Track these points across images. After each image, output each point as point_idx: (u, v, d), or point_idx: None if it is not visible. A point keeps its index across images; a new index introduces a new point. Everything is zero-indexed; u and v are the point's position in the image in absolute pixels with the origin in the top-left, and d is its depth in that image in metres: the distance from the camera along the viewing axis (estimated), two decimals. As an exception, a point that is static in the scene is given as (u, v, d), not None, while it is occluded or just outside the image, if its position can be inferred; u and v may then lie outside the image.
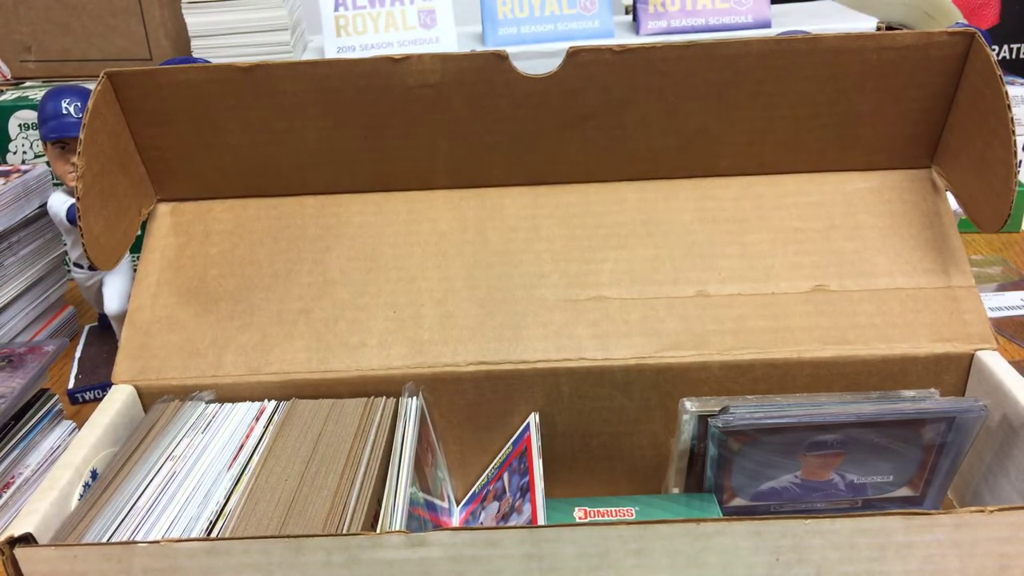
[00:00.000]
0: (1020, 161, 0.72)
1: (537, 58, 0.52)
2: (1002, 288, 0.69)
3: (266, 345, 0.48)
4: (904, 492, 0.44)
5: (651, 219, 0.50)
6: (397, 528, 0.37)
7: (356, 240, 0.51)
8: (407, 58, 0.47)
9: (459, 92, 0.48)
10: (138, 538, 0.37)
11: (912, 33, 0.47)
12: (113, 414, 0.44)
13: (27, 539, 0.35)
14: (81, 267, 0.65)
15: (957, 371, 0.46)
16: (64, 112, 0.60)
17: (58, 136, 0.60)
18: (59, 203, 0.63)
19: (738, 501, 0.44)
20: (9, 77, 0.86)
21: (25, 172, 0.68)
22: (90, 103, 0.46)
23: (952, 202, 0.51)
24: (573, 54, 0.47)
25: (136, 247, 0.51)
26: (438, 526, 0.44)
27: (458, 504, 0.50)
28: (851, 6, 0.89)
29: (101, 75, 0.47)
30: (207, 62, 0.58)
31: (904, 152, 0.51)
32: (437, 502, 0.46)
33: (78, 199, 0.45)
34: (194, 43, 0.80)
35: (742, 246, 0.49)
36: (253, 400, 0.46)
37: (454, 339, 0.48)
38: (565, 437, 0.49)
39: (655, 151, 0.51)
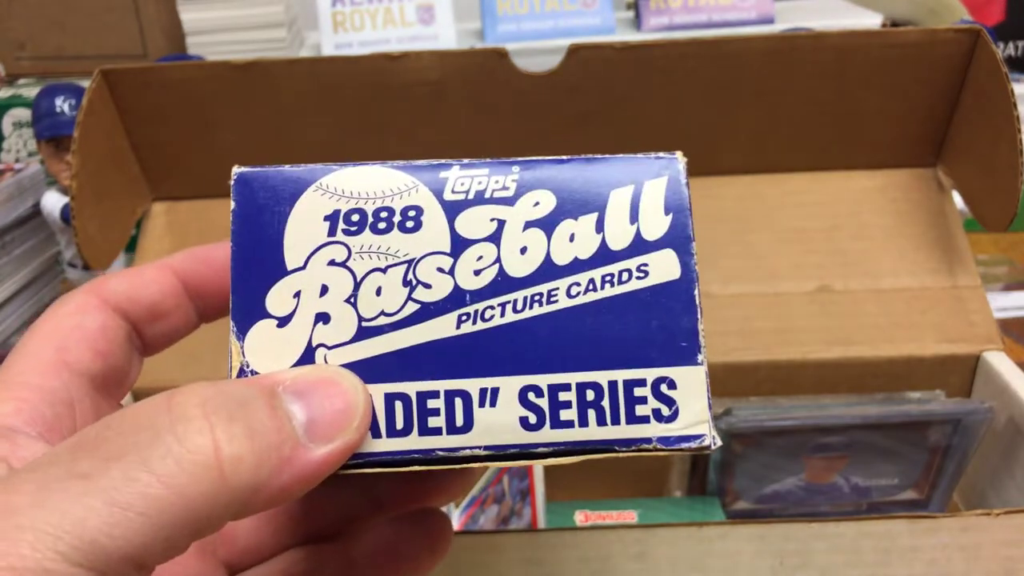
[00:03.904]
0: (1024, 159, 0.71)
1: (537, 55, 0.51)
2: (1008, 288, 0.68)
3: (263, 346, 0.47)
4: (909, 495, 0.43)
5: (653, 218, 0.50)
6: (396, 533, 0.36)
7: (354, 240, 0.51)
8: (405, 55, 0.47)
9: (458, 90, 0.48)
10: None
11: (917, 30, 0.46)
12: (108, 416, 0.44)
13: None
14: (75, 267, 0.64)
15: (963, 372, 0.46)
16: (58, 110, 0.59)
17: (52, 134, 0.59)
18: (53, 202, 0.62)
19: (741, 504, 0.43)
20: (3, 75, 0.85)
21: (19, 171, 0.67)
22: (84, 101, 0.45)
23: (958, 201, 0.50)
24: (574, 51, 0.46)
25: (131, 247, 0.51)
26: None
27: (457, 507, 0.49)
28: (855, 2, 0.88)
29: (96, 73, 0.47)
30: (202, 59, 0.58)
31: (909, 150, 0.50)
32: (436, 505, 0.45)
33: (72, 198, 0.44)
34: (189, 40, 0.79)
35: (745, 246, 0.49)
36: (250, 402, 0.45)
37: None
38: (566, 439, 0.48)
39: (656, 149, 0.50)
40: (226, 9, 0.78)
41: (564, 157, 0.19)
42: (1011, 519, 0.33)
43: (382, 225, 0.18)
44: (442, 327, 0.17)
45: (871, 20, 0.82)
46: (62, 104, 0.59)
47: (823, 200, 0.50)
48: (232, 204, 0.18)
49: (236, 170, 0.18)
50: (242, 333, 0.18)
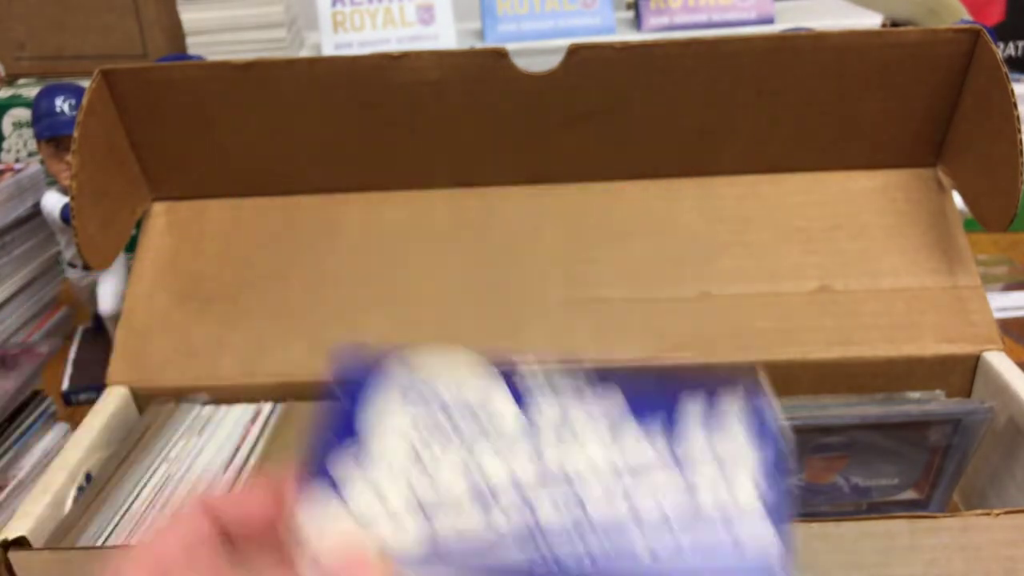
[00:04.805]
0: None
1: (537, 55, 0.52)
2: (1008, 288, 0.68)
3: (262, 347, 0.47)
4: (909, 495, 0.43)
5: (653, 218, 0.50)
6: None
7: (354, 240, 0.51)
8: (405, 55, 0.47)
9: (458, 90, 0.48)
10: (133, 542, 0.36)
11: (917, 30, 0.46)
12: (107, 416, 0.44)
13: (21, 542, 0.35)
14: (75, 267, 0.64)
15: (963, 372, 0.46)
16: (58, 110, 0.59)
17: (52, 134, 0.59)
18: (53, 202, 0.62)
19: (741, 504, 0.43)
20: (3, 75, 0.85)
21: (19, 171, 0.67)
22: (84, 101, 0.45)
23: (958, 201, 0.50)
24: (574, 51, 0.46)
25: (131, 247, 0.51)
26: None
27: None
28: (855, 2, 0.88)
29: (96, 72, 0.47)
30: (202, 59, 0.58)
31: (909, 150, 0.50)
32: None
33: (72, 198, 0.44)
34: (189, 40, 0.80)
35: (745, 246, 0.49)
36: (249, 402, 0.45)
37: (454, 339, 0.47)
38: (566, 439, 0.48)
39: (657, 149, 0.50)
40: (226, 9, 0.78)
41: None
42: (1011, 519, 0.33)
43: (458, 418, 0.19)
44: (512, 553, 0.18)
45: (871, 20, 0.82)
46: (62, 104, 0.59)
47: (823, 200, 0.50)
48: (330, 376, 0.20)
49: (335, 349, 0.20)
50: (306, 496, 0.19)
